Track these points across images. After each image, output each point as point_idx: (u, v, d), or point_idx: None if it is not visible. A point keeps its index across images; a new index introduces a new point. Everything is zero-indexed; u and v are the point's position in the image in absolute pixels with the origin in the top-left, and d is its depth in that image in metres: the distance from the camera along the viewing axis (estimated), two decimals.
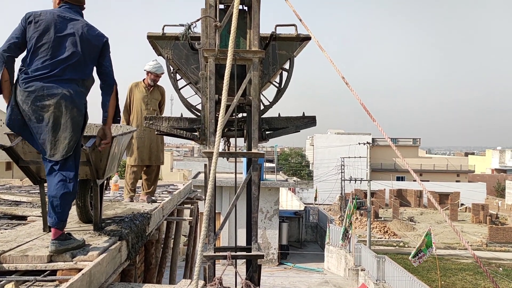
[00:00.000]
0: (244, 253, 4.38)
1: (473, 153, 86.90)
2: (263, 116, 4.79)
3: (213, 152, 3.90)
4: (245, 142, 4.86)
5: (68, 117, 3.16)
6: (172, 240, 8.29)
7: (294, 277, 18.69)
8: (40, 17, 3.19)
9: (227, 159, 5.07)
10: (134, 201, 6.24)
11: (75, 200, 3.88)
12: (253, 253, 4.29)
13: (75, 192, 3.31)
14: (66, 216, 3.26)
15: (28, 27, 3.17)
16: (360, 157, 32.47)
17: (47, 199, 3.37)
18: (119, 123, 3.96)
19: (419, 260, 14.53)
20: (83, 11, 3.50)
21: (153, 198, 6.45)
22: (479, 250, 32.60)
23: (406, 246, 33.77)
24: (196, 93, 5.09)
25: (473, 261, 29.79)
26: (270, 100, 4.97)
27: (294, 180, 25.69)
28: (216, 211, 4.60)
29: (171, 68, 4.89)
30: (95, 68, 3.45)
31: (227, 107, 4.03)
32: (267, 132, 4.86)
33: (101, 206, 4.05)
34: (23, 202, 5.65)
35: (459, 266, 28.89)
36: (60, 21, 3.24)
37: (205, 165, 4.38)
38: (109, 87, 3.48)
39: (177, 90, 4.88)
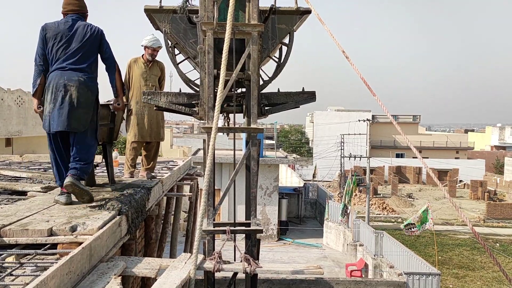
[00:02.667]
0: (243, 227, 4.42)
1: (472, 130, 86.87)
2: (262, 92, 4.75)
3: (212, 127, 3.89)
4: (244, 118, 4.84)
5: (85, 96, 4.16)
6: (172, 216, 8.36)
7: (293, 252, 18.94)
8: (52, 28, 4.18)
9: (227, 135, 5.05)
10: (134, 177, 6.25)
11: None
12: (252, 227, 4.32)
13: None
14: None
15: (46, 37, 4.16)
16: (360, 134, 32.42)
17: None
18: (126, 94, 5.09)
19: (410, 232, 14.75)
20: (85, 17, 4.42)
21: (153, 174, 6.46)
22: (476, 226, 32.94)
23: (404, 222, 34.15)
24: (195, 68, 5.04)
25: (470, 236, 30.17)
26: (270, 75, 4.93)
27: (293, 157, 25.74)
28: (216, 188, 4.61)
29: (169, 42, 4.83)
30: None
31: (226, 82, 3.99)
32: (266, 108, 4.83)
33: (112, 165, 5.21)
34: (23, 177, 5.66)
35: (456, 241, 29.27)
36: (64, 28, 4.19)
37: (204, 140, 4.37)
38: (112, 67, 4.54)
39: (176, 64, 4.83)
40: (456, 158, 55.59)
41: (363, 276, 15.27)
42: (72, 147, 4.11)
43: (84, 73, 4.17)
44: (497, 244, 27.54)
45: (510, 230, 32.15)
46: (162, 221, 7.55)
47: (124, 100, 5.34)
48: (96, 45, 4.30)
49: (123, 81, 6.25)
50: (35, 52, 4.18)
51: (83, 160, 4.10)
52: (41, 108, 4.17)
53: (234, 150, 5.21)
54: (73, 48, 4.14)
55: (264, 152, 22.48)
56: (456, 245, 28.33)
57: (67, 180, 3.92)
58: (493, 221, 33.54)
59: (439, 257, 22.59)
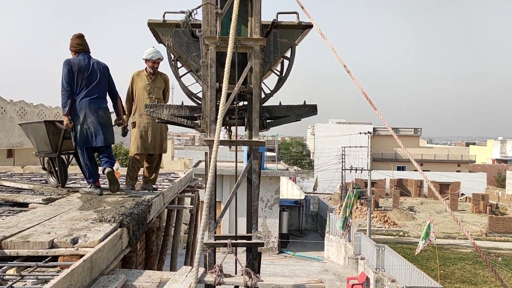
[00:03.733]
0: (245, 241, 4.40)
1: (474, 143, 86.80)
2: (264, 105, 4.77)
3: (213, 140, 3.90)
4: (246, 131, 4.86)
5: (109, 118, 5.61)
6: (173, 228, 8.34)
7: (294, 265, 18.82)
8: (76, 63, 5.30)
9: (229, 148, 5.07)
10: (136, 189, 6.25)
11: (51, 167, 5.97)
12: (253, 241, 4.31)
13: None
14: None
15: (72, 70, 5.23)
16: (361, 146, 32.43)
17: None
18: (126, 113, 6.18)
19: (418, 249, 14.78)
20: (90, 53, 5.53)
21: (154, 186, 6.46)
22: (478, 240, 32.73)
23: (406, 235, 33.94)
24: (197, 81, 5.08)
25: (472, 250, 29.96)
26: (271, 89, 4.95)
27: (294, 169, 25.74)
28: (217, 200, 4.61)
29: (172, 56, 4.87)
30: None
31: (228, 95, 4.02)
32: (268, 121, 4.85)
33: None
34: (24, 189, 5.66)
35: (458, 255, 29.05)
36: (85, 64, 5.34)
37: (206, 153, 4.38)
38: (116, 98, 5.82)
39: (178, 78, 4.86)
40: (457, 171, 55.46)
41: None
42: (104, 153, 5.57)
43: (105, 100, 5.57)
44: (499, 258, 27.33)
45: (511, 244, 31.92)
46: (163, 234, 7.52)
47: (124, 120, 6.12)
48: (107, 77, 5.58)
49: (127, 94, 6.33)
50: (61, 79, 5.22)
51: (112, 160, 5.63)
52: (72, 123, 5.28)
53: (236, 163, 5.22)
54: (95, 81, 5.37)
55: (265, 164, 22.46)
56: (458, 259, 28.12)
57: (108, 170, 5.35)
58: (495, 235, 33.33)
59: (441, 271, 22.41)
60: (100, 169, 5.63)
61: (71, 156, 6.07)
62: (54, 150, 5.66)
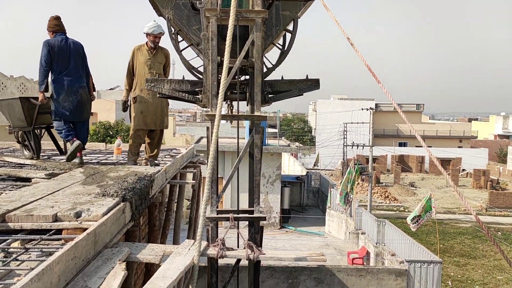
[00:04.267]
0: (247, 215, 4.44)
1: (476, 119, 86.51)
2: (266, 79, 4.73)
3: (215, 114, 3.88)
4: (247, 105, 4.83)
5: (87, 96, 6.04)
6: (175, 204, 8.39)
7: (296, 240, 19.05)
8: (56, 44, 5.61)
9: (230, 123, 5.05)
10: (138, 164, 6.27)
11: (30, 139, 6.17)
12: (255, 215, 4.34)
13: None
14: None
15: (52, 50, 5.56)
16: (362, 122, 32.35)
17: None
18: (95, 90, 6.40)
19: (417, 225, 14.70)
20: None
21: (156, 162, 6.47)
22: (479, 214, 32.91)
23: (406, 210, 34.21)
24: (198, 55, 5.02)
25: (472, 225, 30.24)
26: (273, 63, 4.90)
27: (296, 146, 25.75)
28: (219, 176, 4.62)
29: (172, 29, 4.80)
30: None
31: (230, 69, 3.98)
32: (269, 95, 4.82)
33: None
34: (26, 164, 5.68)
35: (458, 230, 29.35)
36: (63, 44, 5.67)
37: (208, 128, 4.36)
38: (88, 75, 6.07)
39: (179, 51, 4.81)
40: (459, 147, 55.45)
41: (365, 264, 15.35)
42: (80, 128, 5.96)
43: (84, 79, 5.91)
44: (499, 233, 27.62)
45: (510, 219, 32.19)
46: (165, 209, 7.57)
47: (124, 95, 6.29)
48: (82, 56, 5.91)
49: (127, 68, 6.28)
50: (40, 58, 5.51)
51: (85, 138, 6.07)
52: (47, 99, 5.70)
53: (238, 137, 5.21)
54: (73, 60, 5.73)
55: (267, 140, 22.46)
56: (458, 234, 28.42)
57: (78, 142, 5.69)
58: (495, 210, 33.57)
59: (441, 246, 22.70)
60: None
61: (43, 130, 6.47)
62: (29, 124, 5.97)
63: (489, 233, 2.67)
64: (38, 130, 6.29)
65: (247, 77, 4.68)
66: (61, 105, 5.67)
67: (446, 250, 24.85)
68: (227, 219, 4.18)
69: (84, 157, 7.27)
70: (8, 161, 5.98)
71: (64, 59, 5.64)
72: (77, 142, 5.67)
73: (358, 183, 36.72)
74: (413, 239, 13.60)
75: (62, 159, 6.37)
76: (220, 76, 3.96)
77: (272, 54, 5.14)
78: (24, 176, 4.80)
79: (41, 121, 6.14)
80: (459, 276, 21.79)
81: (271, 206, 20.61)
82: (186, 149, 9.15)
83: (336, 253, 17.27)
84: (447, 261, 22.73)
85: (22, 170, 5.04)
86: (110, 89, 48.57)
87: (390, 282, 11.81)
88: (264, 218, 4.31)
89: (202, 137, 24.04)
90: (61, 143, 6.79)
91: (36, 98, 5.83)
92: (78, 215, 3.27)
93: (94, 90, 6.42)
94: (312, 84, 4.82)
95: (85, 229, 3.06)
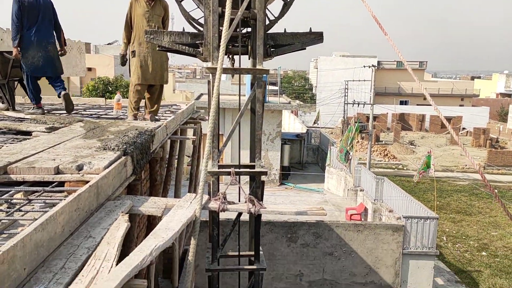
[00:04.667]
0: (248, 169, 4.45)
1: (479, 77, 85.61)
2: (268, 32, 4.60)
3: (217, 67, 3.80)
4: (249, 59, 4.73)
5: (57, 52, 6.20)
6: (176, 159, 8.43)
7: (295, 196, 19.32)
8: (25, 1, 5.70)
9: (232, 76, 4.96)
10: (138, 119, 6.24)
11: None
12: (256, 169, 4.36)
13: None
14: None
15: (23, 6, 5.67)
16: (364, 80, 32.00)
17: None
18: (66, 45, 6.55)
19: (420, 176, 15.55)
20: None
21: (157, 117, 6.44)
22: (476, 172, 33.33)
23: (405, 168, 34.54)
24: (198, 6, 4.86)
25: (469, 182, 30.61)
26: (276, 15, 4.75)
27: (297, 103, 25.58)
28: (219, 133, 4.60)
29: None
30: None
31: (231, 20, 3.86)
32: (272, 49, 4.71)
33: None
34: (26, 118, 5.65)
35: (455, 187, 29.75)
36: (34, 1, 5.75)
37: (209, 81, 4.30)
38: (59, 30, 6.25)
39: (178, 2, 4.65)
40: (460, 105, 55.22)
41: (363, 219, 15.65)
42: (55, 81, 6.20)
43: (53, 35, 6.09)
44: (496, 191, 27.93)
45: (509, 177, 32.56)
46: (166, 164, 7.62)
47: (122, 48, 6.23)
48: (51, 12, 6.03)
49: (125, 21, 6.11)
50: (12, 14, 5.67)
51: (63, 85, 6.26)
52: (21, 54, 5.81)
53: (239, 93, 5.15)
54: (43, 17, 5.84)
55: (267, 97, 22.30)
56: (455, 191, 28.83)
57: (63, 92, 6.04)
58: (493, 168, 33.88)
59: (438, 203, 23.07)
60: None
61: (16, 82, 6.72)
62: (4, 77, 6.27)
63: (491, 186, 2.68)
64: (12, 83, 6.58)
65: (249, 30, 4.55)
66: (29, 60, 5.86)
67: (442, 207, 25.30)
68: (229, 173, 4.20)
69: (84, 112, 7.24)
70: (8, 115, 5.94)
71: (34, 15, 5.78)
72: (63, 92, 6.02)
73: (358, 141, 36.85)
74: (410, 196, 13.79)
75: (63, 113, 6.40)
76: (221, 28, 3.85)
77: (275, 6, 4.97)
78: (24, 129, 4.78)
79: (15, 74, 6.40)
80: (454, 232, 22.29)
81: (271, 163, 20.76)
82: (186, 105, 9.09)
83: (335, 209, 17.56)
84: (443, 218, 23.19)
85: (22, 124, 5.01)
86: (108, 44, 47.67)
87: (387, 237, 12.07)
88: (265, 173, 4.33)
89: (202, 94, 23.87)
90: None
91: (10, 53, 6.01)
92: (79, 168, 3.27)
93: (65, 45, 6.60)
94: (315, 38, 4.69)
95: (87, 181, 3.07)
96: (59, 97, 6.16)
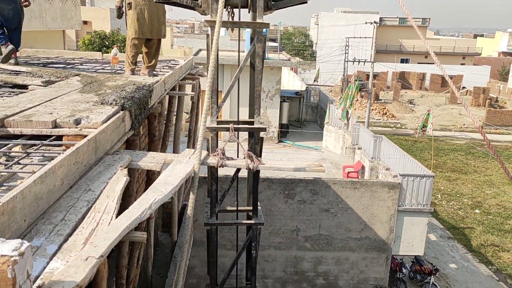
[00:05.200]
0: (247, 125, 4.44)
1: (482, 35, 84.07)
2: None
3: (215, 20, 3.70)
4: (249, 12, 4.60)
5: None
6: (175, 116, 8.39)
7: (293, 154, 19.42)
8: None
9: (232, 30, 4.84)
10: (135, 74, 6.15)
11: None
12: (255, 125, 4.34)
13: None
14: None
15: None
16: (365, 37, 31.41)
17: None
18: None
19: (422, 132, 15.74)
20: None
21: (154, 72, 6.34)
22: (474, 132, 33.48)
23: (403, 127, 34.60)
24: None
25: (466, 142, 30.78)
26: None
27: (296, 60, 25.20)
28: (218, 90, 4.54)
29: None
30: None
31: None
32: (272, 2, 4.57)
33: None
34: (22, 71, 5.56)
35: (452, 147, 29.94)
36: None
37: (207, 35, 4.19)
38: None
39: None
40: (462, 64, 54.57)
41: (360, 177, 15.83)
42: (14, 33, 6.40)
43: None
44: (491, 150, 28.16)
45: (506, 136, 32.70)
46: (165, 120, 7.58)
47: (118, 0, 6.09)
48: None
49: None
50: None
51: (19, 41, 6.53)
52: None
53: (239, 48, 5.04)
54: None
55: (267, 54, 21.92)
56: (451, 150, 29.03)
57: (11, 46, 6.10)
58: (491, 128, 33.95)
59: (434, 161, 23.28)
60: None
61: None
62: None
63: (491, 145, 2.67)
64: None
65: None
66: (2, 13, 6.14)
67: (439, 165, 25.56)
68: (227, 129, 4.18)
69: (80, 66, 7.13)
70: (4, 68, 5.84)
71: None
72: (11, 46, 6.13)
73: (357, 100, 36.70)
74: (408, 154, 13.88)
75: (59, 67, 6.31)
76: None
77: None
78: (21, 83, 4.71)
79: None
80: (449, 190, 22.65)
81: (269, 121, 20.72)
82: (184, 60, 8.94)
83: (332, 166, 17.71)
84: (438, 176, 23.49)
85: (18, 77, 4.94)
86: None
87: (383, 194, 12.25)
88: (264, 129, 4.32)
89: (200, 50, 23.46)
90: None
91: None
92: (77, 122, 3.25)
93: None
94: None
95: (85, 136, 3.06)
96: (6, 47, 6.26)
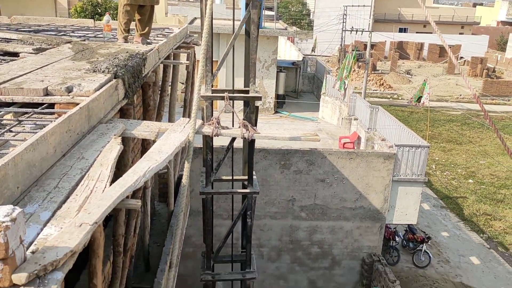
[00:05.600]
0: (242, 94, 4.39)
1: (481, 4, 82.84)
2: None
3: None
4: None
5: None
6: (170, 85, 8.30)
7: (289, 124, 19.40)
8: None
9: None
10: (129, 42, 6.04)
11: None
12: (250, 94, 4.30)
13: None
14: None
15: None
16: (364, 6, 30.90)
17: None
18: None
19: (418, 103, 15.66)
20: None
21: (148, 40, 6.23)
22: (471, 102, 33.47)
23: (400, 98, 34.52)
24: None
25: (462, 112, 30.82)
26: None
27: (293, 30, 24.82)
28: (213, 60, 4.46)
29: None
30: None
31: None
32: None
33: None
34: (13, 39, 5.44)
35: (448, 117, 29.98)
36: None
37: (201, 0, 4.10)
38: None
39: None
40: (460, 33, 53.98)
41: (355, 148, 15.89)
42: None
43: None
44: (487, 121, 28.25)
45: (502, 107, 32.73)
46: (160, 90, 7.51)
47: None
48: None
49: None
50: None
51: None
52: None
53: (234, 14, 4.94)
54: None
55: (263, 23, 21.56)
56: (447, 121, 29.10)
57: None
58: (488, 98, 33.93)
59: (430, 132, 23.34)
60: None
61: None
62: None
63: (488, 115, 2.66)
64: None
65: None
66: None
67: (434, 136, 25.66)
68: (222, 98, 4.14)
69: (72, 34, 6.99)
70: None
71: None
72: None
73: (354, 70, 36.38)
74: (404, 125, 13.89)
75: (51, 34, 6.20)
76: None
77: None
78: (11, 50, 4.62)
79: None
80: (443, 160, 22.82)
81: (266, 91, 20.58)
82: (179, 28, 8.78)
83: (328, 137, 17.75)
84: (434, 147, 23.62)
85: (9, 45, 4.83)
86: None
87: (378, 164, 12.33)
88: (259, 98, 4.28)
89: (195, 18, 23.04)
90: None
91: None
92: (69, 89, 3.20)
93: None
94: None
95: (78, 104, 3.02)
96: None
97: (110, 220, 4.74)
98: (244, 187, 5.46)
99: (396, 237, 13.98)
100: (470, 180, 20.55)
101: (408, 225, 14.02)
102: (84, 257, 2.54)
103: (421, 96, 15.50)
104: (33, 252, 1.68)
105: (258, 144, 10.47)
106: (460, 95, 35.63)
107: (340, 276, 13.09)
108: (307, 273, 13.04)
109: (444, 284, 12.42)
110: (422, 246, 13.55)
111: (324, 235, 12.72)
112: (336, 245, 12.83)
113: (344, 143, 16.08)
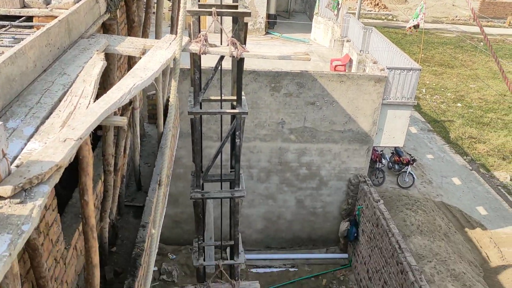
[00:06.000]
0: (231, 10, 4.21)
1: None
2: None
3: None
4: None
5: None
6: (155, 1, 7.91)
7: (280, 46, 18.94)
8: None
9: None
10: None
11: None
12: (239, 10, 4.11)
13: None
14: None
15: None
16: None
17: None
18: None
19: (412, 29, 15.34)
20: None
21: None
22: (466, 24, 32.76)
23: (395, 19, 33.59)
24: None
25: (457, 35, 30.27)
26: None
27: None
28: None
29: None
30: None
31: None
32: None
33: None
34: None
35: (442, 40, 29.47)
36: None
37: None
38: None
39: None
40: None
41: (347, 70, 15.70)
42: None
43: None
44: (481, 43, 27.88)
45: (498, 29, 32.13)
46: (145, 6, 7.16)
47: None
48: None
49: None
50: None
51: None
52: None
53: None
54: None
55: None
56: (441, 44, 28.64)
57: None
58: (484, 20, 33.16)
59: (422, 55, 23.05)
60: None
61: None
62: None
63: (486, 36, 2.58)
64: None
65: None
66: None
67: (426, 59, 25.39)
68: (210, 13, 3.96)
69: None
70: None
71: None
72: None
73: None
74: (397, 47, 13.63)
75: None
76: None
77: None
78: None
79: None
80: (434, 84, 22.80)
81: (256, 11, 19.82)
82: None
83: (319, 60, 17.45)
84: (425, 70, 23.46)
85: None
86: None
87: (369, 87, 12.27)
88: (248, 14, 4.11)
89: None
90: None
91: None
92: (47, 1, 3.02)
93: None
94: None
95: (56, 16, 2.86)
96: None
97: (100, 140, 4.75)
98: (233, 107, 5.43)
99: (383, 159, 14.32)
100: (459, 104, 20.72)
101: (395, 147, 14.32)
102: (77, 176, 2.55)
103: (417, 17, 15.08)
104: (17, 166, 1.67)
105: (247, 66, 10.27)
106: (456, 17, 34.74)
107: (327, 196, 13.58)
108: (295, 193, 13.49)
109: (425, 203, 12.99)
110: (407, 168, 13.96)
111: (312, 157, 12.98)
112: (324, 167, 13.16)
113: (336, 66, 15.88)
